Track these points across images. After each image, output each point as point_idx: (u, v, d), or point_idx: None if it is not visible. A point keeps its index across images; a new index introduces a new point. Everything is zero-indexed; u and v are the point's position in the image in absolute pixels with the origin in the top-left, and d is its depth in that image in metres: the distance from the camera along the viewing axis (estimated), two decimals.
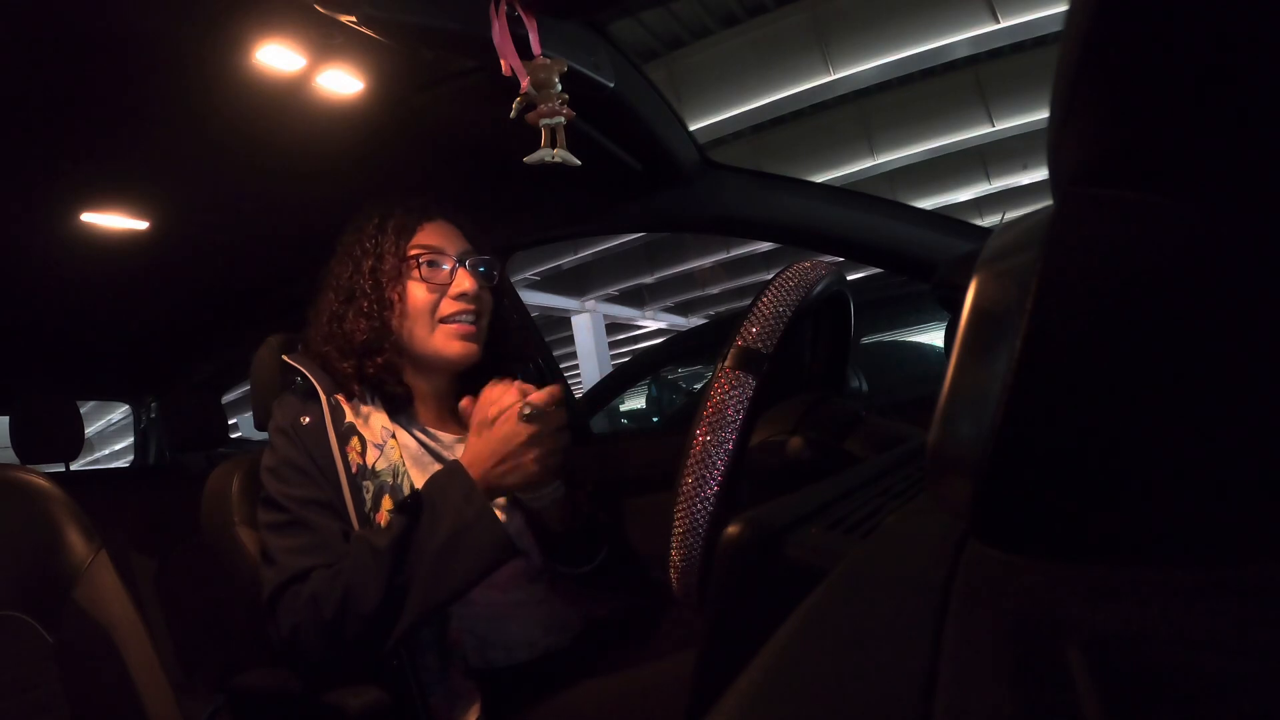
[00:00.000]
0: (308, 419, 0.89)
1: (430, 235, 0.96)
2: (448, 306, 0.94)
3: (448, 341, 0.94)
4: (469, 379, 0.96)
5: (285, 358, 0.96)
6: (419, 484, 0.86)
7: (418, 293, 0.94)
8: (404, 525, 0.81)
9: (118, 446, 12.50)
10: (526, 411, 0.83)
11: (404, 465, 0.90)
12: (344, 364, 0.91)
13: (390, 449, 0.90)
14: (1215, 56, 0.20)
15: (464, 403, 0.90)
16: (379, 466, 0.88)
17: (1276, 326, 0.22)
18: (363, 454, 0.88)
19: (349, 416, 0.90)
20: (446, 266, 0.95)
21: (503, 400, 0.86)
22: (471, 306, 0.95)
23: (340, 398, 0.91)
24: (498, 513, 0.83)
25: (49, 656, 0.66)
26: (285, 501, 0.86)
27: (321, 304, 0.96)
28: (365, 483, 0.87)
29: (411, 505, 0.83)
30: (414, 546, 0.80)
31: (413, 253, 0.94)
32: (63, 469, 1.93)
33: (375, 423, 0.92)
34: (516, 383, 0.88)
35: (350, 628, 0.79)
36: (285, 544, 0.84)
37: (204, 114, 1.02)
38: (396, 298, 0.93)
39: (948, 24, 4.81)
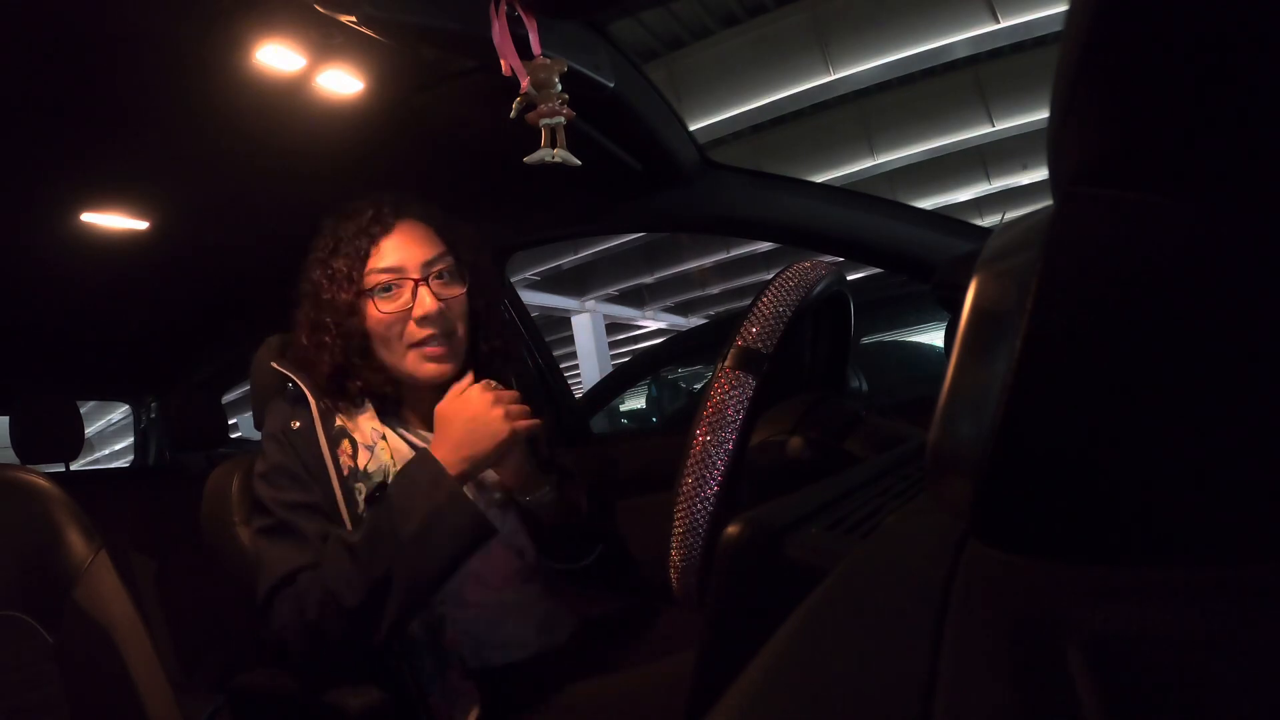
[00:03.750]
0: (298, 423, 0.89)
1: (388, 252, 0.91)
2: (413, 332, 0.90)
3: (418, 365, 0.91)
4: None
5: (274, 364, 0.95)
6: None
7: (379, 323, 0.90)
8: (378, 518, 0.81)
9: (118, 446, 12.49)
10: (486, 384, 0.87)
11: (395, 466, 0.90)
12: (325, 379, 0.91)
13: (381, 450, 0.90)
14: (1215, 56, 0.20)
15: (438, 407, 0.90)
16: (370, 468, 0.88)
17: (1276, 326, 0.22)
18: (354, 456, 0.88)
19: (339, 420, 0.90)
20: (406, 289, 0.90)
21: (459, 387, 0.87)
22: (437, 328, 0.90)
23: (330, 401, 0.91)
24: (469, 491, 0.83)
25: (49, 656, 0.66)
26: (277, 506, 0.86)
27: (297, 330, 0.94)
28: (357, 485, 0.87)
29: (384, 498, 0.83)
30: (389, 537, 0.79)
31: (369, 283, 0.90)
32: (63, 469, 1.92)
33: (365, 425, 0.91)
34: (468, 376, 0.89)
35: (334, 626, 0.79)
36: (276, 548, 0.85)
37: (204, 114, 1.02)
38: (358, 331, 0.91)
39: (948, 24, 4.81)
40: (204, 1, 0.79)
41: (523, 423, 0.86)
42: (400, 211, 0.94)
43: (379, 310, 0.90)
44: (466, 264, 0.96)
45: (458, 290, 0.94)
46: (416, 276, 0.90)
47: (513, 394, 0.88)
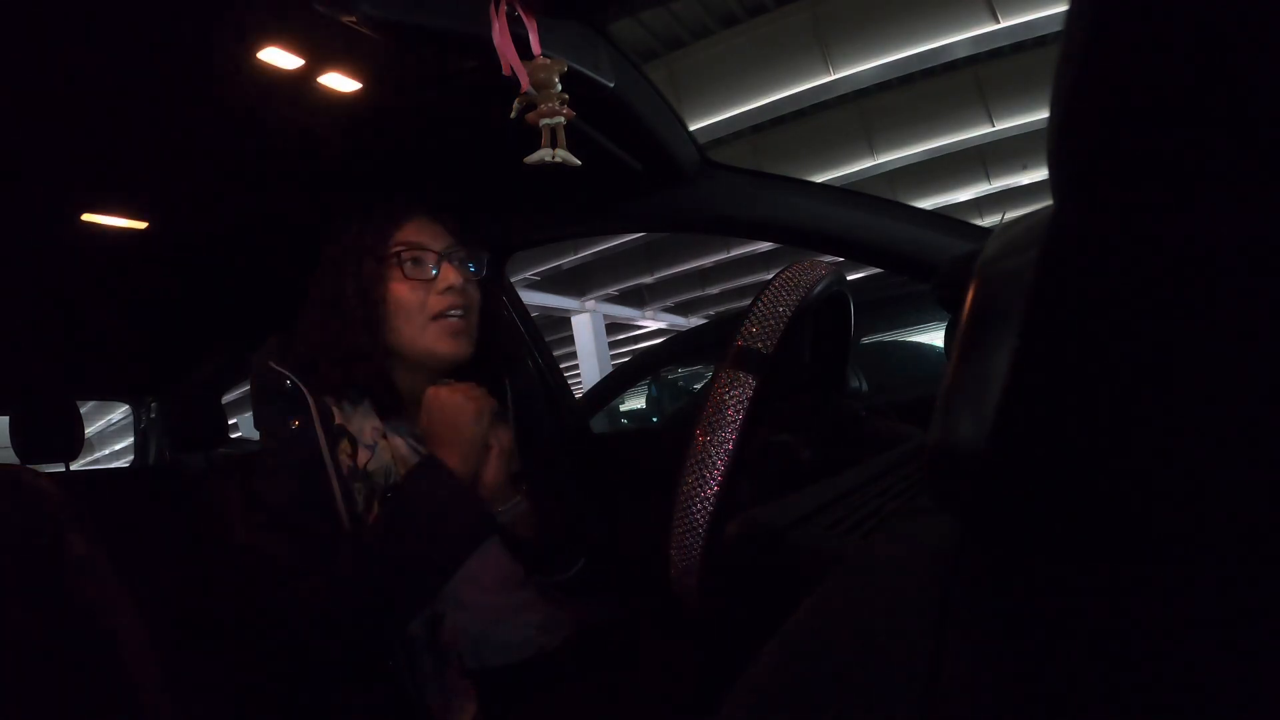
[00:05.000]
0: (297, 423, 0.89)
1: (411, 232, 0.95)
2: (436, 303, 0.92)
3: (439, 339, 0.93)
4: (457, 377, 0.96)
5: (271, 364, 0.95)
6: None
7: (403, 291, 0.92)
8: (388, 519, 0.83)
9: (118, 446, 12.51)
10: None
11: (395, 466, 0.90)
12: (333, 372, 0.91)
13: (381, 450, 0.90)
14: (1216, 56, 0.20)
15: (421, 423, 0.93)
16: (370, 468, 0.88)
17: (1276, 328, 0.22)
18: (353, 456, 0.88)
19: (338, 419, 0.90)
20: (430, 262, 0.94)
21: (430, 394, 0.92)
22: (460, 300, 0.93)
23: (330, 400, 0.91)
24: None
25: (48, 656, 0.66)
26: (280, 503, 0.86)
27: (307, 316, 0.94)
28: (356, 484, 0.87)
29: (393, 499, 0.85)
30: (398, 537, 0.81)
31: (394, 250, 0.93)
32: (63, 469, 1.92)
33: (365, 424, 0.92)
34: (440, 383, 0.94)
35: (347, 623, 0.80)
36: (282, 544, 0.85)
37: (204, 114, 1.02)
38: (382, 300, 0.92)
39: (948, 24, 4.81)
40: (204, 1, 0.79)
41: (483, 401, 0.91)
42: (419, 205, 0.99)
43: (405, 276, 0.93)
44: (479, 259, 1.00)
45: (471, 277, 0.98)
46: (439, 250, 0.94)
47: (475, 386, 0.93)
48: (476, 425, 0.89)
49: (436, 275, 0.93)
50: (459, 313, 0.93)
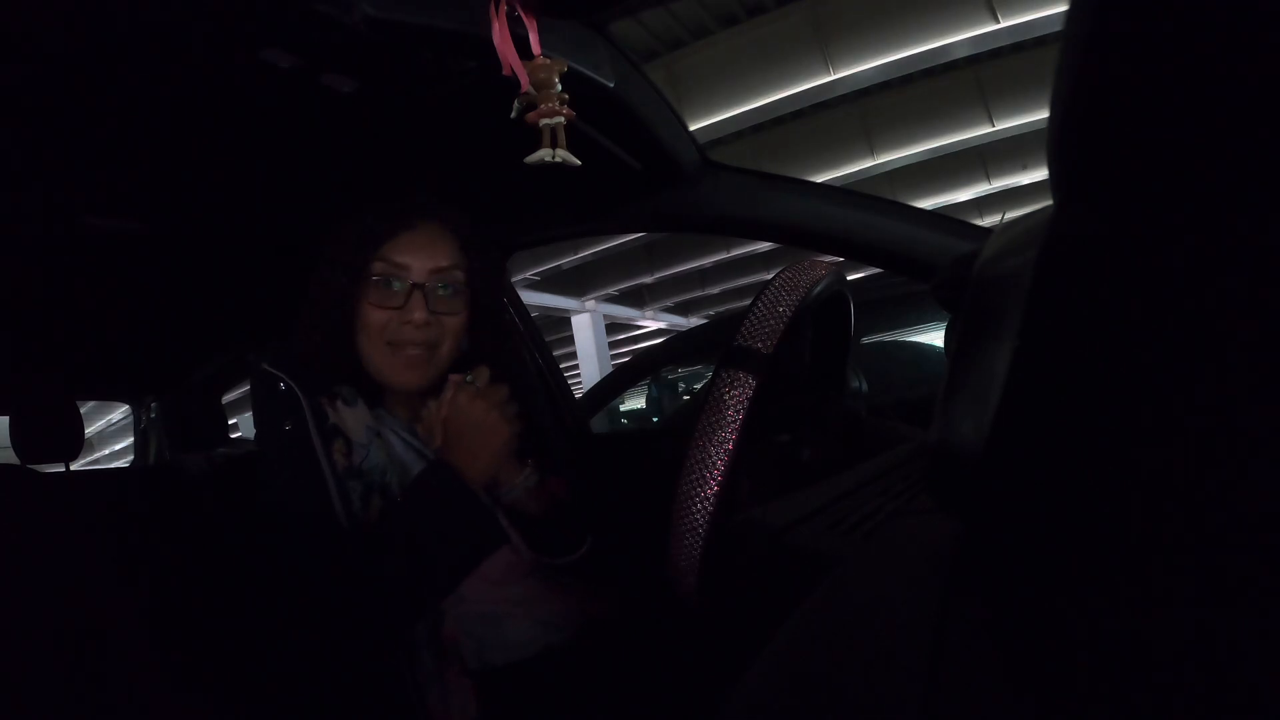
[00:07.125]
0: (290, 424, 0.89)
1: (398, 249, 0.91)
2: (397, 333, 0.90)
3: (393, 369, 0.91)
4: (459, 369, 0.96)
5: (265, 365, 0.94)
6: (405, 483, 0.87)
7: (369, 313, 0.91)
8: (393, 526, 0.82)
9: (118, 446, 12.51)
10: (469, 379, 0.89)
11: (390, 464, 0.90)
12: (324, 374, 0.92)
13: (376, 449, 0.90)
14: (1215, 57, 0.20)
15: (420, 429, 0.92)
16: (365, 466, 0.88)
17: (1273, 328, 0.22)
18: (348, 454, 0.89)
19: (332, 418, 0.90)
20: (401, 289, 0.91)
21: (444, 397, 0.89)
22: (420, 336, 0.90)
23: (324, 400, 0.91)
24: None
25: (51, 656, 0.66)
26: (276, 506, 0.86)
27: (302, 318, 0.94)
28: (352, 483, 0.87)
29: (399, 505, 0.84)
30: (404, 545, 0.81)
31: (371, 270, 0.91)
32: (63, 469, 1.92)
33: (359, 423, 0.92)
34: (450, 379, 0.91)
35: (345, 629, 0.79)
36: (281, 546, 0.84)
37: (204, 114, 1.02)
38: (351, 316, 0.91)
39: (948, 24, 4.82)
40: (204, 1, 0.79)
41: (507, 409, 0.89)
42: (427, 212, 0.95)
43: (369, 300, 0.91)
44: (476, 280, 0.96)
45: (457, 307, 0.94)
46: (419, 280, 0.91)
47: (501, 390, 0.91)
48: (501, 439, 0.87)
49: (405, 305, 0.90)
50: (418, 349, 0.91)
